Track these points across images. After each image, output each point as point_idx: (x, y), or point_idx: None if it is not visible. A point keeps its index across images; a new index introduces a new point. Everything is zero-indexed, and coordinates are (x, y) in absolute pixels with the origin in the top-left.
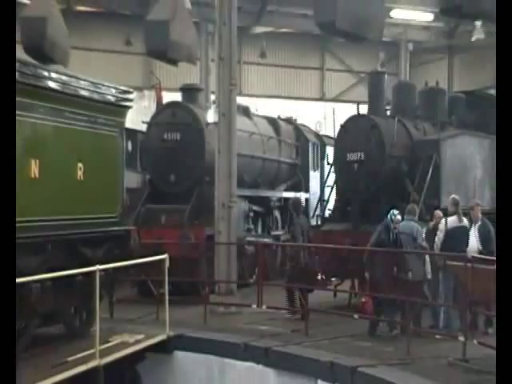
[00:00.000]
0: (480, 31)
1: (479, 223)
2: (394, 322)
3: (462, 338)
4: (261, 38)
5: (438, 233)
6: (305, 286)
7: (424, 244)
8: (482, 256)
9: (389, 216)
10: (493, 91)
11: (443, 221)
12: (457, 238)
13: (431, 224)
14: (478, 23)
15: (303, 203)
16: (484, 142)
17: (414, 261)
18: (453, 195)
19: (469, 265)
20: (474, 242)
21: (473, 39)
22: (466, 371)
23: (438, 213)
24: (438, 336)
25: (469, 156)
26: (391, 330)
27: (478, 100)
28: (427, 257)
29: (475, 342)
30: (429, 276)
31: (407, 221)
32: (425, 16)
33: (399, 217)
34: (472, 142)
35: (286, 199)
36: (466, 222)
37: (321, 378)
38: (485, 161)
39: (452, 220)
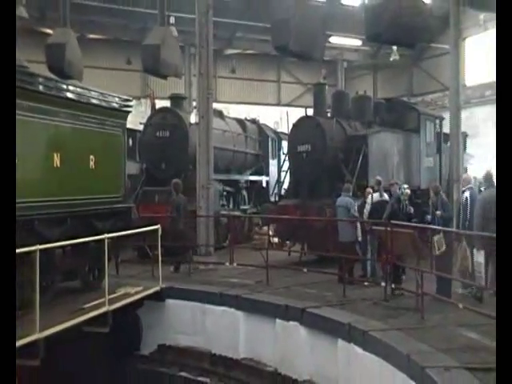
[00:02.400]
0: (396, 53)
1: None
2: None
3: (383, 284)
4: (231, 57)
5: (366, 205)
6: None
7: (356, 214)
8: (398, 222)
9: (399, 190)
10: (405, 98)
11: (370, 196)
12: (379, 208)
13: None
14: (395, 47)
15: (181, 184)
16: (399, 136)
17: (347, 226)
18: (377, 176)
19: (388, 229)
20: None
21: (391, 59)
22: (385, 308)
23: (369, 190)
24: (366, 283)
25: (388, 147)
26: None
27: (395, 105)
28: (358, 223)
29: (393, 286)
30: (359, 238)
31: (344, 196)
32: (355, 41)
33: (408, 191)
34: (390, 136)
35: (252, 181)
36: (386, 196)
37: (278, 317)
38: (400, 150)
39: (376, 195)
